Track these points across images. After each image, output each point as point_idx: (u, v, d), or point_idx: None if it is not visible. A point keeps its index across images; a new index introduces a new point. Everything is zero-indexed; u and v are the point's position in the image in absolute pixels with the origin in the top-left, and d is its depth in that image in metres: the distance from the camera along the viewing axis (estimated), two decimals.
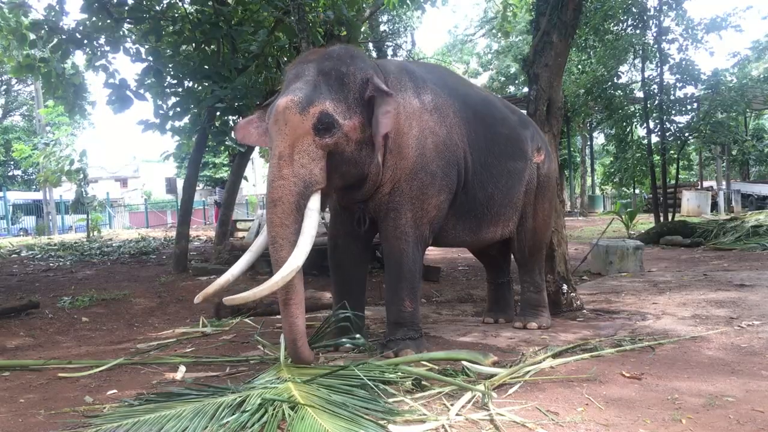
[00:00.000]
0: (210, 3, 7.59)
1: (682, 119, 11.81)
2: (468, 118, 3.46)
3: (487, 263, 4.44)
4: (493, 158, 3.59)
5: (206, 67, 7.35)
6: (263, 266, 6.77)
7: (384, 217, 3.19)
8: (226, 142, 8.21)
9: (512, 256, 4.20)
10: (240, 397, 2.29)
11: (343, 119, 2.86)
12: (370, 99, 2.95)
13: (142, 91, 7.67)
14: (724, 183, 20.05)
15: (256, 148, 15.06)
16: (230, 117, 8.14)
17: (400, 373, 2.65)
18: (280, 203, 2.72)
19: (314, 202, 2.80)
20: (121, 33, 8.10)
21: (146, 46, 8.14)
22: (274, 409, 2.15)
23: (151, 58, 7.53)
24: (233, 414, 2.14)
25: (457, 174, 3.34)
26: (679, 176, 15.45)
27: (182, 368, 3.05)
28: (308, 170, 2.77)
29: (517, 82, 23.44)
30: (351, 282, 3.42)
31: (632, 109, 12.88)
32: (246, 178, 13.23)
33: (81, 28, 7.57)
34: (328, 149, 2.83)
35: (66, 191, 23.20)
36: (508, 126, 3.78)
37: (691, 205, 16.82)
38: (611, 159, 15.78)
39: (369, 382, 2.43)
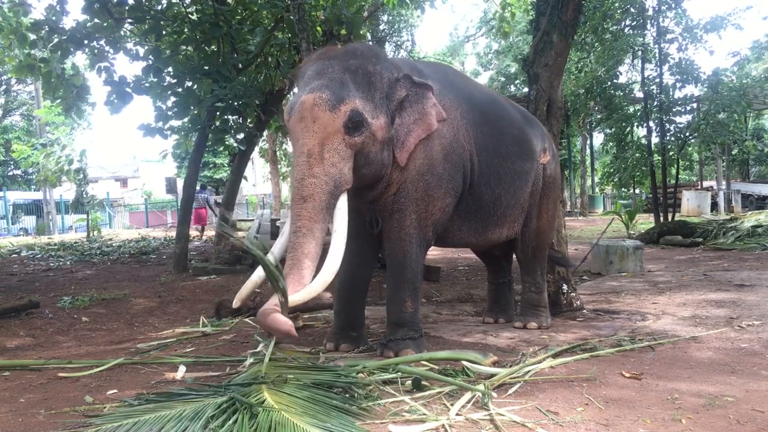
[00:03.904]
0: (210, 3, 7.60)
1: (682, 119, 11.84)
2: (474, 118, 3.43)
3: (489, 263, 4.43)
4: (500, 159, 3.56)
5: (206, 67, 7.36)
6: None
7: (389, 218, 3.17)
8: (226, 142, 8.21)
9: (515, 256, 4.19)
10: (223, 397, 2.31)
11: (372, 118, 2.83)
12: (404, 98, 2.97)
13: (141, 88, 7.68)
14: (724, 183, 20.06)
15: (256, 148, 15.04)
16: (230, 116, 8.15)
17: (400, 373, 2.66)
18: (311, 200, 2.67)
19: (343, 201, 2.79)
20: (122, 33, 8.11)
21: (146, 46, 8.15)
22: (243, 407, 2.16)
23: (151, 57, 7.53)
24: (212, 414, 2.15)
25: (462, 177, 3.32)
26: (679, 176, 15.46)
27: (182, 368, 3.04)
28: (338, 169, 2.74)
29: (517, 82, 23.43)
30: (355, 282, 3.41)
31: (632, 109, 12.89)
32: (246, 178, 13.24)
33: (81, 28, 7.56)
34: (356, 148, 2.81)
35: (66, 191, 23.23)
36: (515, 126, 3.75)
37: (691, 205, 16.84)
38: (611, 159, 15.78)
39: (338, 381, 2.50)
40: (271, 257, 2.91)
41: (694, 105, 12.68)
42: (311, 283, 2.56)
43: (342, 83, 2.82)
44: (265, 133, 14.44)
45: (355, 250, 3.35)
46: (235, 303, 2.80)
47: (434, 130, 3.05)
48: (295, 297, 2.51)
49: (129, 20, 7.79)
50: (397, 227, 3.15)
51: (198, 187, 17.09)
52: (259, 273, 2.82)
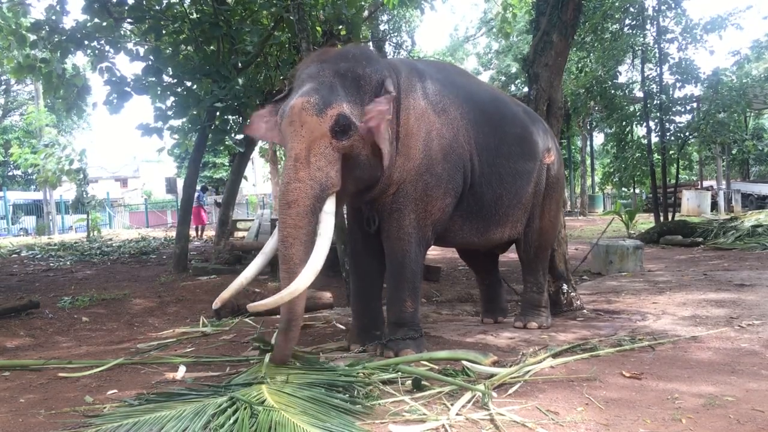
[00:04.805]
0: (210, 3, 7.60)
1: (682, 119, 11.84)
2: (476, 118, 3.42)
3: (474, 265, 4.43)
4: (502, 159, 3.55)
5: (206, 67, 7.36)
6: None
7: (387, 218, 3.18)
8: (226, 142, 8.22)
9: (517, 256, 4.18)
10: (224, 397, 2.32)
11: (359, 121, 2.83)
12: None
13: (141, 87, 7.68)
14: (724, 183, 20.05)
15: (256, 148, 15.05)
16: (230, 116, 8.15)
17: (400, 373, 2.66)
18: (295, 205, 2.69)
19: (330, 205, 2.79)
20: (122, 33, 8.11)
21: (146, 46, 8.15)
22: (243, 407, 2.17)
23: (151, 57, 7.54)
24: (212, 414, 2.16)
25: (462, 177, 3.32)
26: (679, 176, 15.45)
27: (182, 368, 3.05)
28: (324, 173, 2.74)
29: (517, 81, 23.42)
30: (371, 281, 3.41)
31: (632, 108, 12.88)
32: (246, 178, 13.24)
33: (81, 28, 7.57)
34: (344, 152, 2.81)
35: (66, 191, 23.22)
36: (518, 125, 3.74)
37: (691, 205, 16.83)
38: (611, 158, 15.78)
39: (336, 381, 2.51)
40: (263, 257, 2.94)
41: (694, 105, 12.68)
42: (287, 287, 2.56)
43: (331, 87, 2.82)
44: None
45: (371, 250, 3.36)
46: (216, 304, 2.78)
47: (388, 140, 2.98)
48: (268, 300, 2.55)
49: (129, 20, 7.79)
50: (396, 227, 3.15)
51: (199, 188, 17.10)
52: (245, 274, 2.83)
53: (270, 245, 2.99)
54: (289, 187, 2.72)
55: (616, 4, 11.52)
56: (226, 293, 2.75)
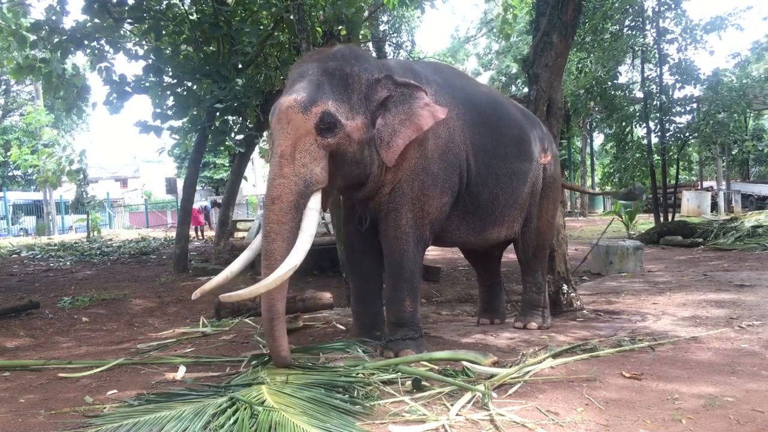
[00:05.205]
0: (210, 3, 7.60)
1: (682, 119, 11.85)
2: (472, 119, 3.44)
3: (477, 265, 4.43)
4: (498, 159, 3.57)
5: (207, 67, 7.36)
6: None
7: (384, 217, 3.19)
8: (226, 142, 8.22)
9: (516, 256, 4.18)
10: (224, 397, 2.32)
11: (346, 119, 2.86)
12: (386, 99, 2.96)
13: (141, 87, 7.68)
14: (724, 183, 20.05)
15: (256, 149, 15.07)
16: (230, 117, 8.15)
17: (400, 374, 2.66)
18: (278, 201, 2.73)
19: (314, 201, 2.80)
20: (122, 33, 8.11)
21: (146, 46, 8.15)
22: (243, 407, 2.18)
23: (152, 56, 7.54)
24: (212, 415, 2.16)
25: (459, 176, 3.33)
26: (679, 176, 15.45)
27: (182, 368, 3.05)
28: (309, 170, 2.78)
29: (517, 82, 23.42)
30: (370, 281, 3.42)
31: (632, 109, 12.89)
32: (246, 178, 13.24)
33: (81, 28, 7.57)
34: (330, 149, 2.84)
35: (66, 191, 23.22)
36: (514, 127, 3.75)
37: (691, 206, 16.83)
38: (611, 159, 15.78)
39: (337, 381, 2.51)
40: (250, 252, 2.95)
41: (694, 105, 12.68)
42: (264, 279, 2.57)
43: (318, 85, 2.87)
44: (265, 133, 14.42)
45: (368, 248, 3.37)
46: (195, 295, 2.70)
47: (426, 130, 3.04)
48: (243, 291, 2.55)
49: (129, 20, 7.79)
50: (393, 226, 3.16)
51: (209, 201, 17.11)
52: (231, 269, 2.82)
53: (257, 241, 3.01)
54: (273, 183, 2.76)
55: (616, 4, 11.52)
56: (208, 285, 2.72)
